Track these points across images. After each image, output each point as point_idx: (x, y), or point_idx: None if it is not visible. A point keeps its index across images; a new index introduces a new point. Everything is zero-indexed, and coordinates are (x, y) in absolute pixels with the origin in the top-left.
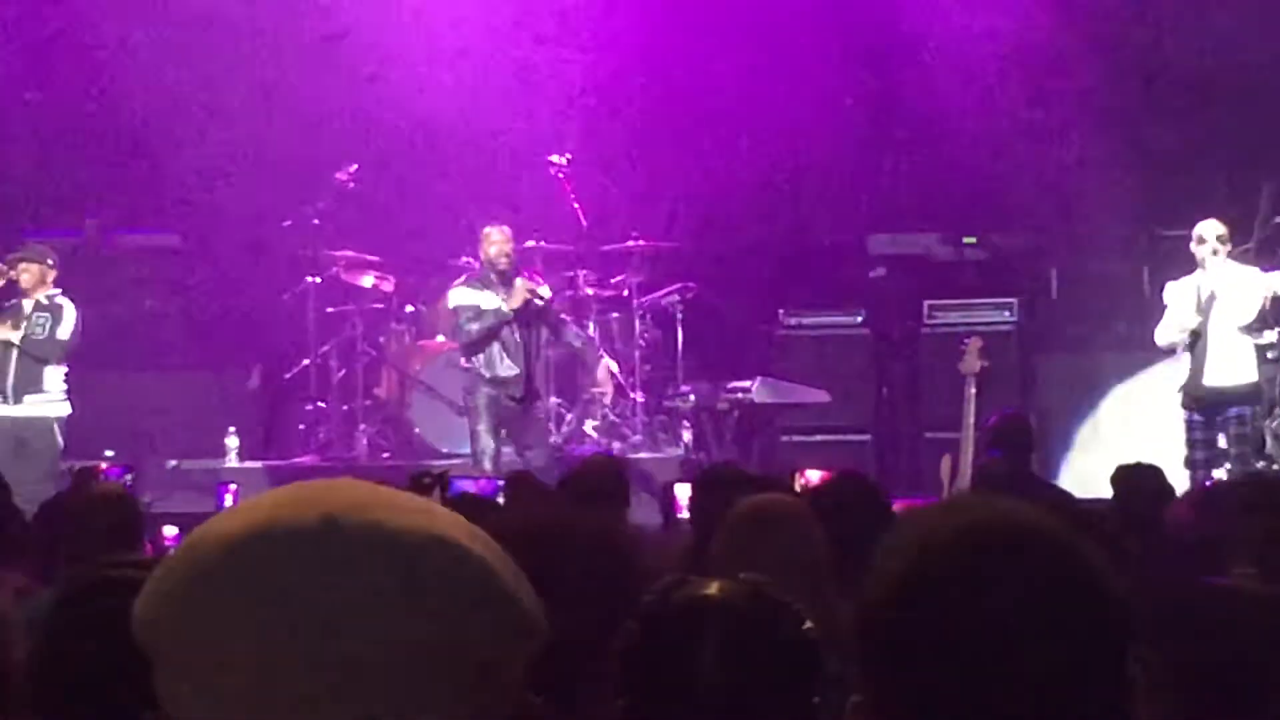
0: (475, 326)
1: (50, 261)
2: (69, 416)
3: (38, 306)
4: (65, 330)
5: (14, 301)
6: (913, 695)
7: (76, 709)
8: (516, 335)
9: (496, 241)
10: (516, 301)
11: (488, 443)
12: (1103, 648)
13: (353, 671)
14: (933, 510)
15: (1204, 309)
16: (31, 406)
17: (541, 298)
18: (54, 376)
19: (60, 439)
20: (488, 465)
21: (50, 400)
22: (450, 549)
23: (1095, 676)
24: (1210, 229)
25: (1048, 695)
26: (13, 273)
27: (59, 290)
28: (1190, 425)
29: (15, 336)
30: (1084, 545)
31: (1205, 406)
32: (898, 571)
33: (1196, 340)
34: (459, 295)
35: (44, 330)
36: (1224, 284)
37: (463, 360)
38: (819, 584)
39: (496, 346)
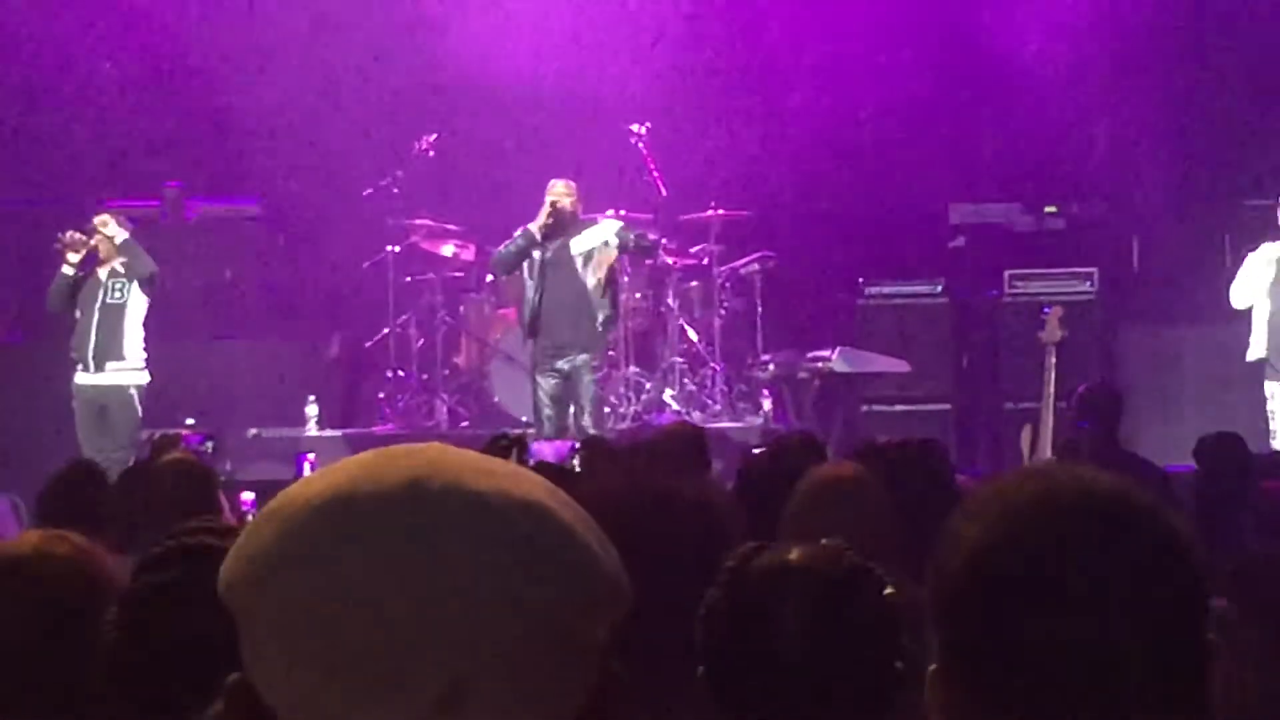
0: (504, 247)
1: (128, 230)
2: (148, 385)
3: (112, 274)
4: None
5: (90, 273)
6: (991, 662)
7: (156, 676)
8: (535, 273)
9: (557, 193)
10: (541, 219)
11: (544, 406)
12: (1186, 615)
13: (438, 634)
14: (1013, 477)
15: None
16: (113, 375)
17: (559, 209)
18: (134, 345)
19: (139, 407)
20: (548, 429)
21: (130, 368)
22: (536, 513)
23: (1178, 644)
24: None
25: (1129, 663)
26: (92, 241)
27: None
28: (1274, 395)
29: (97, 302)
30: (1168, 513)
31: None
32: (978, 537)
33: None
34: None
35: (123, 294)
36: None
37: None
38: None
39: (526, 287)
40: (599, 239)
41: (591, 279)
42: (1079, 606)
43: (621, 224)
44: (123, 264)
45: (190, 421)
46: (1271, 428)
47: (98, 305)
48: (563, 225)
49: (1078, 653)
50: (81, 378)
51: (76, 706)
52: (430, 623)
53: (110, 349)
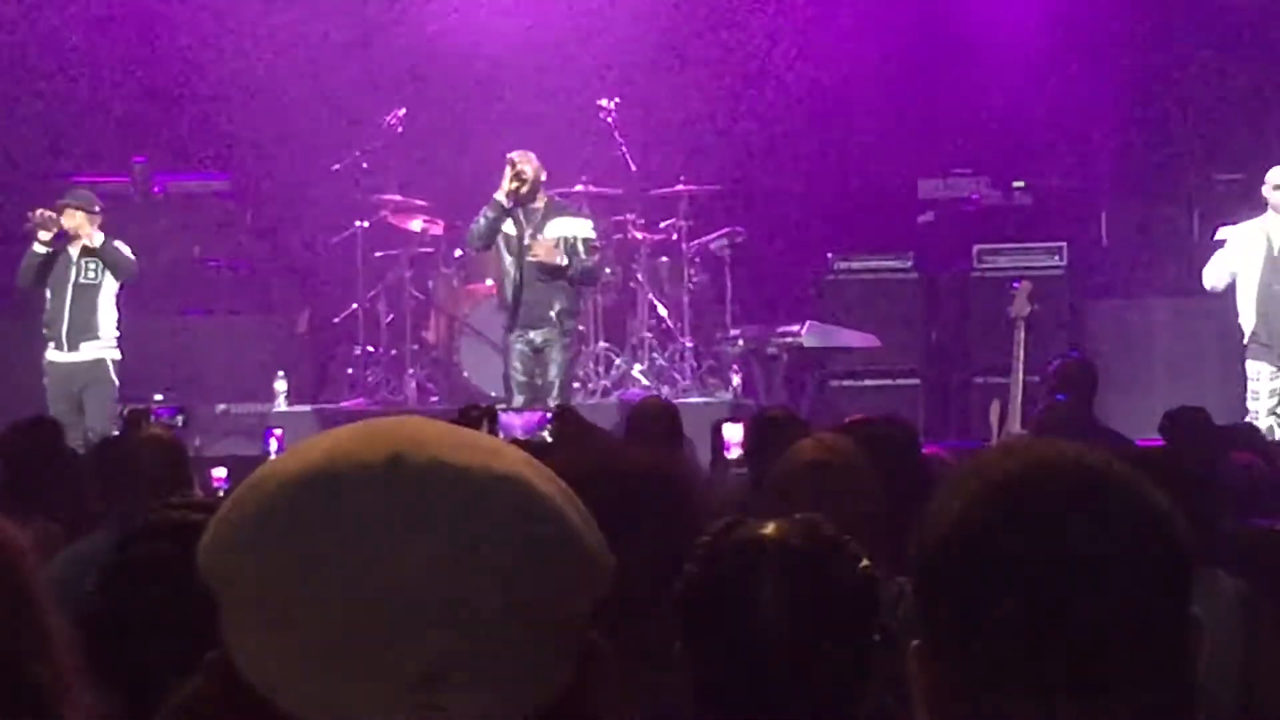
0: (476, 221)
1: (97, 208)
2: (120, 360)
3: (85, 252)
4: (125, 248)
5: (61, 250)
6: (974, 637)
7: (136, 652)
8: (514, 253)
9: (515, 161)
10: (506, 186)
11: (515, 374)
12: (1168, 588)
13: (420, 611)
14: (994, 452)
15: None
16: (88, 352)
17: (519, 174)
18: (108, 322)
19: (116, 380)
20: (519, 400)
21: (105, 345)
22: (518, 487)
23: (1161, 617)
24: None
25: (1114, 636)
26: (61, 218)
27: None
28: (1258, 375)
29: (69, 283)
30: (1148, 486)
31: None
32: (960, 512)
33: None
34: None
35: (96, 274)
36: None
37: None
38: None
39: (506, 266)
40: (574, 231)
41: (565, 260)
42: (1061, 581)
43: (591, 232)
44: (99, 258)
45: (159, 397)
46: (1251, 408)
47: (70, 284)
48: (530, 191)
49: (1061, 628)
50: (54, 355)
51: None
52: (412, 600)
53: (85, 328)
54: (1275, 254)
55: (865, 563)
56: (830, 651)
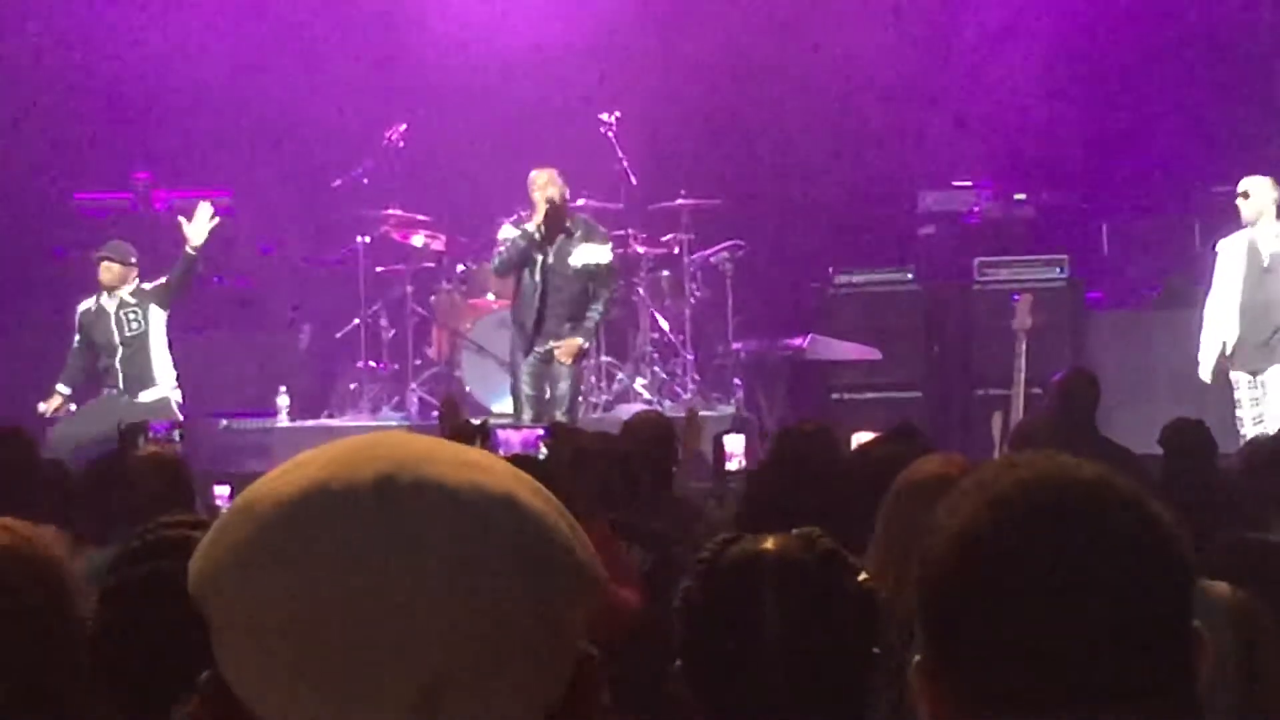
0: (502, 251)
1: (133, 260)
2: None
3: (122, 305)
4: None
5: (96, 308)
6: (976, 653)
7: (136, 670)
8: (537, 276)
9: (541, 186)
10: (539, 218)
11: (524, 388)
12: (1171, 603)
13: (413, 632)
14: (995, 466)
15: (1261, 270)
16: (148, 397)
17: (553, 204)
18: (163, 366)
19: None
20: (528, 414)
21: (166, 389)
22: (508, 504)
23: (1164, 632)
24: (1260, 186)
25: (1117, 650)
26: (99, 269)
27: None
28: (1240, 385)
29: (116, 337)
30: (1149, 499)
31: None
32: (961, 527)
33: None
34: (503, 231)
35: (139, 323)
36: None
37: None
38: None
39: (527, 288)
40: (595, 259)
41: (586, 285)
42: (1064, 595)
43: (612, 261)
44: (133, 296)
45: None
46: (1239, 415)
47: (118, 339)
48: (559, 219)
49: (1063, 642)
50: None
51: (48, 701)
52: (405, 621)
53: (142, 380)
54: (1263, 264)
55: (864, 576)
56: (831, 665)
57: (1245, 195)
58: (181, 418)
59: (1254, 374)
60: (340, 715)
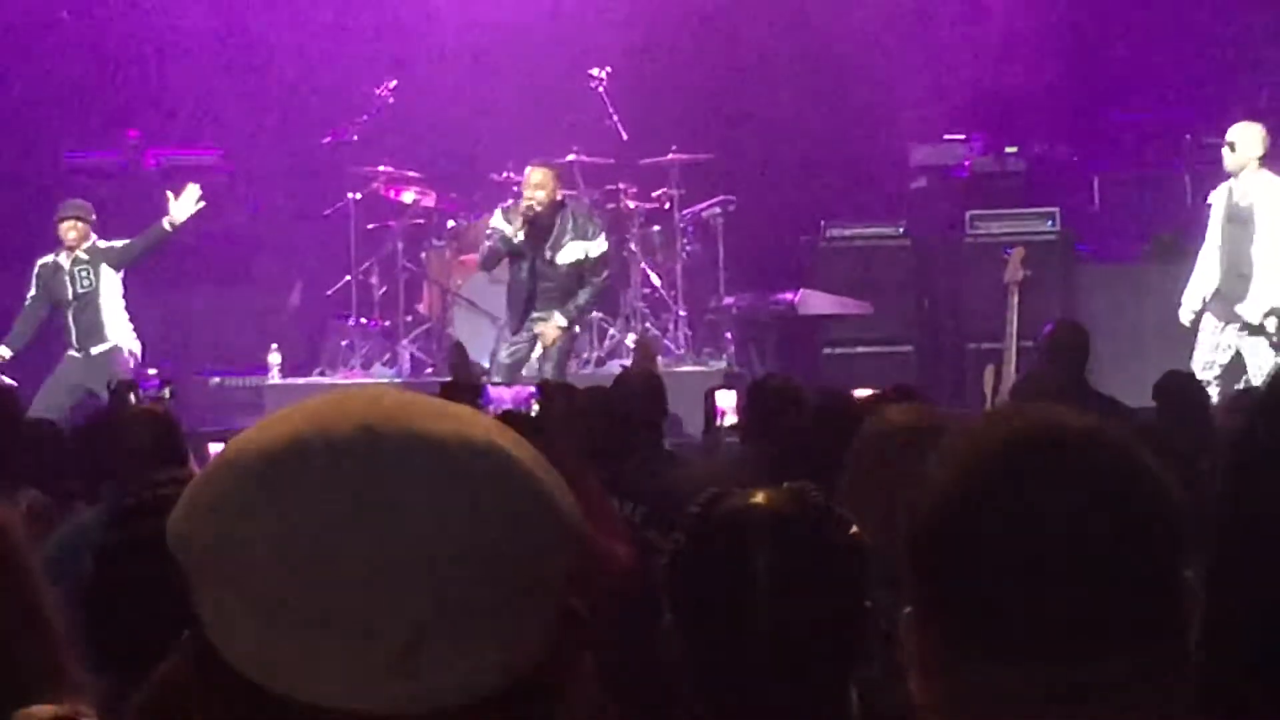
0: (486, 244)
1: (93, 217)
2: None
3: (76, 261)
4: (118, 241)
5: (53, 264)
6: (968, 605)
7: (132, 630)
8: (524, 273)
9: (532, 191)
10: (518, 224)
11: (501, 361)
12: (1163, 552)
13: (395, 583)
14: (984, 419)
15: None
16: (97, 349)
17: (533, 214)
18: (116, 325)
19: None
20: (502, 375)
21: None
22: (492, 455)
23: (1156, 582)
24: (1247, 136)
25: (1108, 601)
26: (65, 229)
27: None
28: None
29: (69, 293)
30: (1141, 450)
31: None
32: (951, 479)
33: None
34: (494, 219)
35: (91, 281)
36: (1261, 196)
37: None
38: None
39: (517, 280)
40: (585, 254)
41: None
42: (1052, 546)
43: (605, 250)
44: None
45: (152, 371)
46: (1194, 355)
47: (70, 295)
48: (540, 226)
49: (1052, 593)
50: (72, 353)
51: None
52: (388, 572)
53: (92, 335)
54: (1240, 209)
55: (855, 529)
56: (822, 618)
57: (1231, 147)
58: (132, 365)
59: (1226, 323)
60: (324, 667)
